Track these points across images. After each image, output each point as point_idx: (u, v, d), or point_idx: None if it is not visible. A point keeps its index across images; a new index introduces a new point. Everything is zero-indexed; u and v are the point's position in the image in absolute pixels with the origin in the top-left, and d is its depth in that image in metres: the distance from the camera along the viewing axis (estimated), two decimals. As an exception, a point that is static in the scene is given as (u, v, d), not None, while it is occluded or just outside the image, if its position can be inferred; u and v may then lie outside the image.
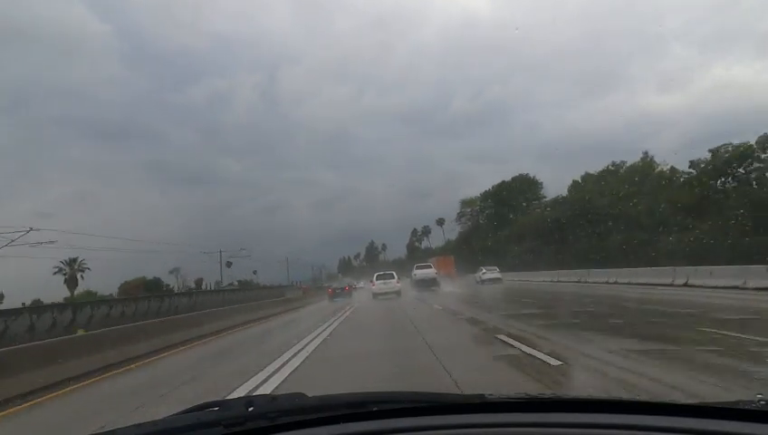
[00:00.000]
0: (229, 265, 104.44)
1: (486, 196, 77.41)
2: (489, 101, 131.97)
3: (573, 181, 51.81)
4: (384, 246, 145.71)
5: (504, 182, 74.32)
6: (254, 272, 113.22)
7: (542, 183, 71.26)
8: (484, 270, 39.78)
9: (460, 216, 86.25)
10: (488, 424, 1.29)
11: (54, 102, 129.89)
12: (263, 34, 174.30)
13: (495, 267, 40.17)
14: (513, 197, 70.34)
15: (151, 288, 67.27)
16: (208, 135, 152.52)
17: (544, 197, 67.65)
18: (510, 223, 64.28)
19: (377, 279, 29.85)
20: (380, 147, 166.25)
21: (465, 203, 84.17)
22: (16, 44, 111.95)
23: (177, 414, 1.41)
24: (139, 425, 1.32)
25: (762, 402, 1.23)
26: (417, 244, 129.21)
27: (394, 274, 30.67)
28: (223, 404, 1.40)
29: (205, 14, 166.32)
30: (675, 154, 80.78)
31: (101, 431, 1.32)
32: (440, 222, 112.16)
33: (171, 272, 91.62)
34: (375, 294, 28.47)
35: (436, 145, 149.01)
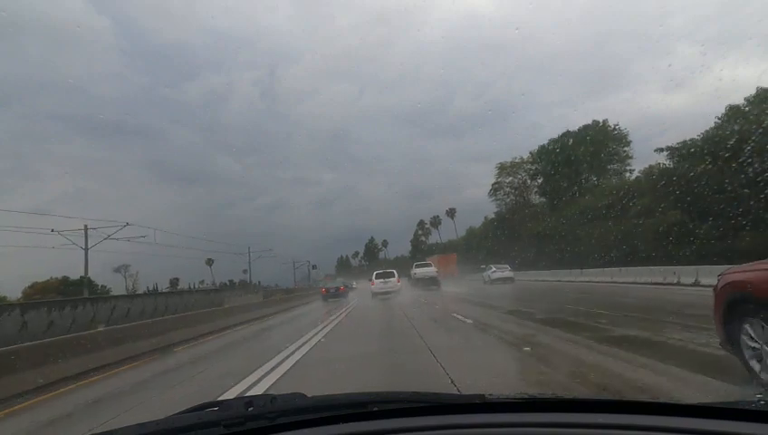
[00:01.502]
0: (210, 262, 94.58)
1: (541, 154, 52.36)
2: (492, 100, 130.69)
3: (730, 108, 28.47)
4: (385, 243, 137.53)
5: (568, 133, 49.07)
6: (245, 271, 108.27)
7: (627, 133, 47.19)
8: (493, 268, 36.27)
9: (496, 189, 59.68)
10: (488, 424, 1.29)
11: (50, 98, 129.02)
12: (262, 32, 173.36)
13: (506, 265, 36.81)
14: (587, 153, 45.74)
15: (73, 291, 52.47)
16: (206, 133, 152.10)
17: (630, 157, 47.07)
18: (578, 193, 44.06)
19: (376, 278, 29.52)
20: (381, 146, 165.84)
21: (505, 169, 57.69)
22: (12, 38, 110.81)
23: (177, 414, 1.41)
24: (141, 425, 1.33)
25: (762, 402, 1.23)
26: (422, 238, 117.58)
27: (394, 272, 30.23)
28: (223, 404, 1.39)
29: (203, 10, 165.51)
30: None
31: (102, 431, 1.32)
32: (450, 213, 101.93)
33: (116, 270, 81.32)
34: (374, 294, 28.19)
35: (439, 144, 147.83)
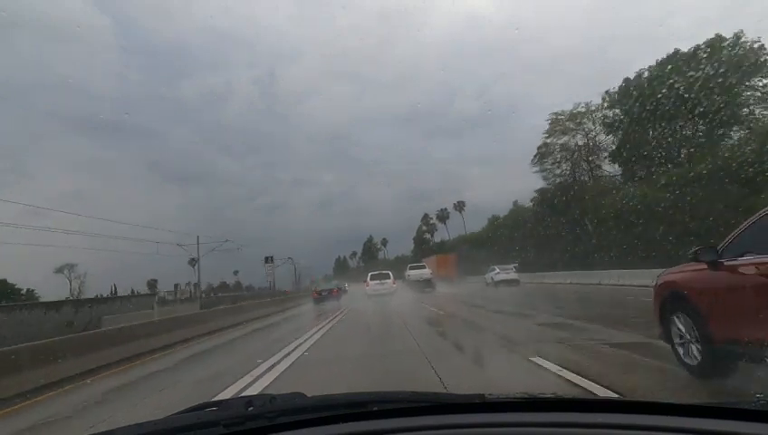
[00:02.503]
0: (193, 262, 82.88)
1: (623, 94, 33.54)
2: (492, 102, 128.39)
3: None
4: (385, 242, 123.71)
5: (676, 57, 30.52)
6: (236, 272, 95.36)
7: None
8: (496, 269, 32.75)
9: (542, 154, 41.09)
10: (488, 424, 1.29)
11: (49, 96, 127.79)
12: (262, 32, 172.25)
13: (511, 266, 33.15)
14: (707, 88, 26.38)
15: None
16: (205, 133, 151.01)
17: None
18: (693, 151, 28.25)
19: (371, 279, 29.46)
20: (381, 147, 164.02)
21: (559, 124, 39.26)
22: (12, 37, 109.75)
23: (177, 414, 1.41)
24: (141, 424, 1.33)
25: (762, 402, 1.23)
26: (427, 235, 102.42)
27: (390, 273, 30.20)
28: (222, 404, 1.40)
29: (202, 10, 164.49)
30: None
31: (102, 431, 1.31)
32: (459, 206, 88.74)
33: (58, 270, 70.23)
34: (369, 296, 28.00)
35: (438, 146, 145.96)
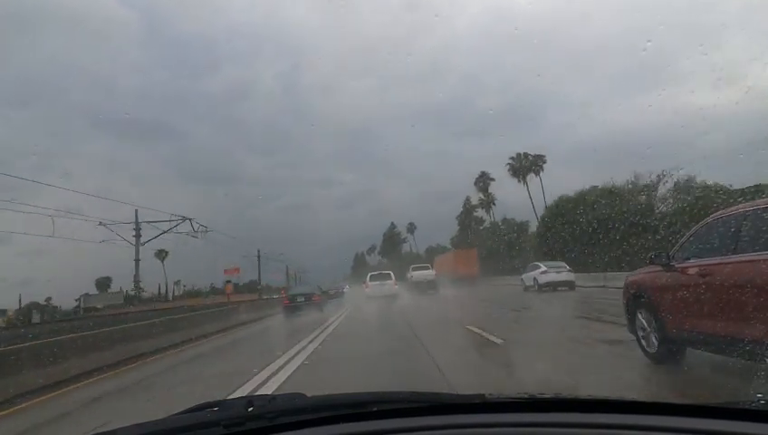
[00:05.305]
0: (163, 255, 64.33)
1: None
2: (520, 98, 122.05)
3: None
4: (411, 228, 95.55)
5: None
6: (235, 270, 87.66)
7: None
8: (542, 267, 24.23)
9: None
10: (488, 424, 1.30)
11: (74, 94, 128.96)
12: (285, 28, 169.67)
13: (563, 264, 24.59)
14: None
15: None
16: (226, 130, 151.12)
17: None
18: None
19: (370, 280, 29.27)
20: (404, 144, 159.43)
21: None
22: (38, 33, 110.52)
23: (177, 414, 1.43)
24: (140, 425, 1.36)
25: (762, 402, 1.22)
26: (479, 211, 68.01)
27: (391, 274, 29.98)
28: (223, 404, 1.42)
29: (226, 4, 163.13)
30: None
31: (103, 431, 1.35)
32: (534, 163, 53.64)
33: None
34: (368, 297, 27.76)
35: (464, 143, 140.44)
